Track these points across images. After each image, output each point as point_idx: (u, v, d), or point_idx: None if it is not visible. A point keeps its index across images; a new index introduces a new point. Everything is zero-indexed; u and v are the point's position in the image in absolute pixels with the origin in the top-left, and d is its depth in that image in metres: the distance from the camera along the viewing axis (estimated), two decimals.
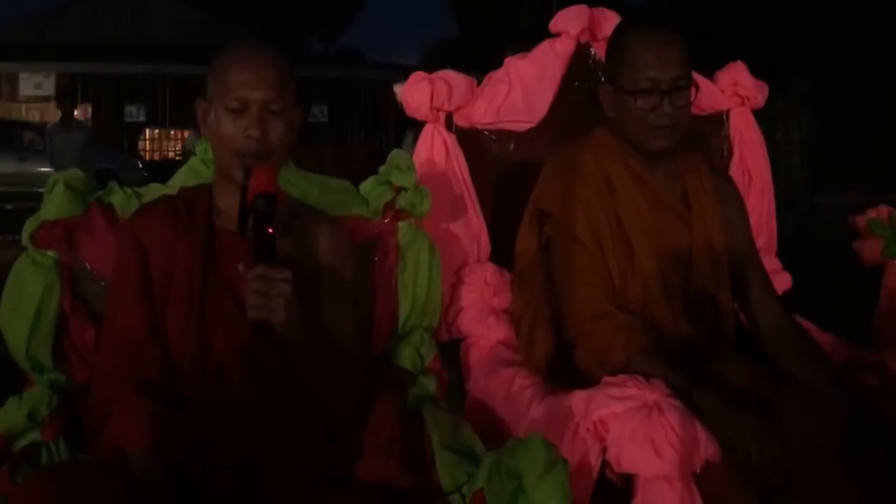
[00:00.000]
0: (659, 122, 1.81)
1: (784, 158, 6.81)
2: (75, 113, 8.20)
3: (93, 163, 7.71)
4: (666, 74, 1.79)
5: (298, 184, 1.89)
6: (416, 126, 2.39)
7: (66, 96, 8.12)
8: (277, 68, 1.56)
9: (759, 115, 2.61)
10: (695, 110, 2.05)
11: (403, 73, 2.73)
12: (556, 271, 1.90)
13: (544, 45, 2.43)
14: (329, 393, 1.53)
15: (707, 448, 1.52)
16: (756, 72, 2.57)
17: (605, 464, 1.57)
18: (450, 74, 2.31)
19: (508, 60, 2.42)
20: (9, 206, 11.55)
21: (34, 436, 1.59)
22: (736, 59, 2.59)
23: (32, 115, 20.02)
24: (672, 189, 1.93)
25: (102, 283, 1.76)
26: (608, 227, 1.86)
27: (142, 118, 21.32)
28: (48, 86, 20.23)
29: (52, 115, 10.87)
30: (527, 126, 2.40)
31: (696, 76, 2.07)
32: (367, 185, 1.97)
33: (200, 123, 1.62)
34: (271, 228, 1.38)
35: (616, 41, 1.92)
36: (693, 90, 1.84)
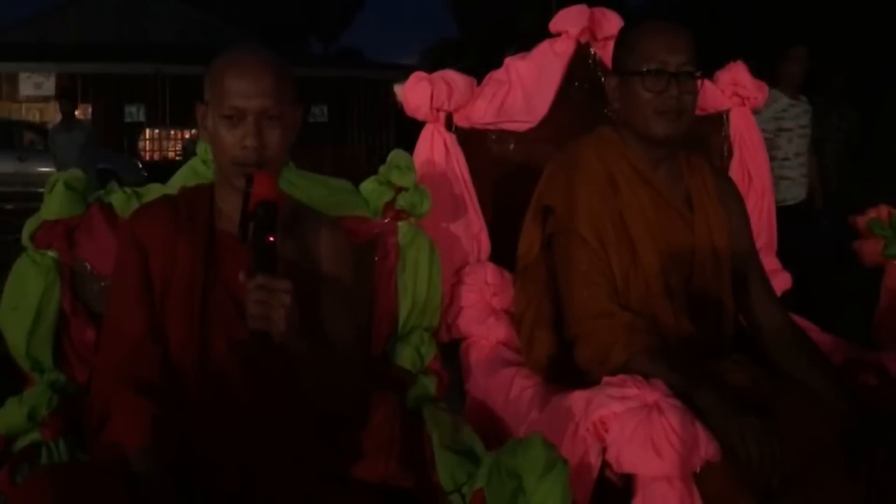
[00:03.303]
0: (665, 106, 1.82)
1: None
2: (76, 113, 8.19)
3: (95, 162, 7.71)
4: (674, 58, 1.81)
5: (299, 184, 1.89)
6: None
7: (66, 96, 8.10)
8: (273, 74, 1.53)
9: None
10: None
11: (403, 73, 2.74)
12: (559, 268, 1.90)
13: (544, 45, 2.43)
14: (328, 397, 1.53)
15: (707, 448, 1.52)
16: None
17: (605, 464, 1.57)
18: (450, 74, 2.31)
19: (508, 60, 2.42)
20: (9, 206, 11.55)
21: (34, 436, 1.59)
22: (744, 57, 2.59)
23: (32, 115, 20.01)
24: (675, 189, 1.93)
25: (102, 283, 1.76)
26: (611, 225, 1.86)
27: (142, 118, 21.32)
28: (48, 86, 20.22)
29: (52, 115, 10.90)
30: (527, 126, 2.40)
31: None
32: (367, 185, 1.97)
33: (199, 126, 1.61)
34: (272, 237, 1.37)
35: (624, 34, 1.95)
36: (700, 82, 1.86)
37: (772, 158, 4.40)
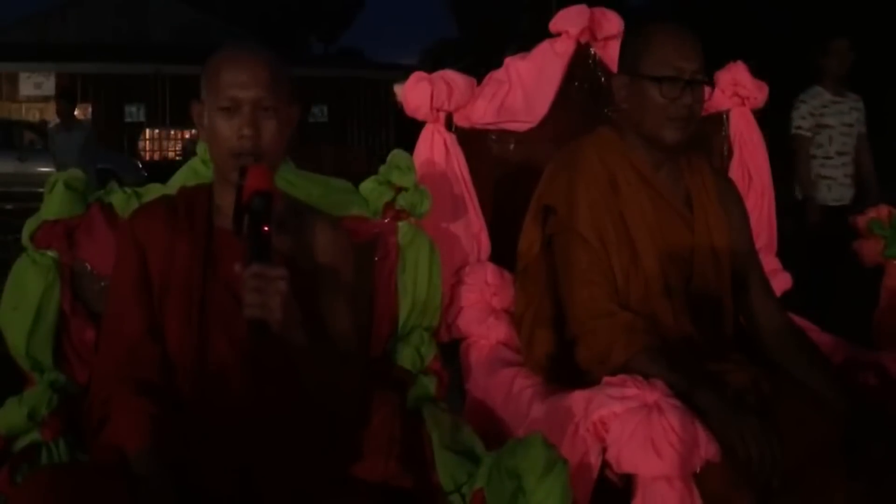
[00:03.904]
0: (677, 113, 1.82)
1: None
2: (75, 112, 8.15)
3: (95, 162, 7.68)
4: (689, 65, 1.82)
5: (299, 184, 1.89)
6: None
7: (64, 96, 8.07)
8: (269, 67, 1.55)
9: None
10: None
11: (403, 73, 2.75)
12: (559, 268, 1.90)
13: (544, 45, 2.43)
14: (327, 393, 1.52)
15: (707, 448, 1.52)
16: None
17: (605, 464, 1.57)
18: (450, 74, 2.31)
19: (508, 60, 2.42)
20: (9, 206, 11.56)
21: (34, 436, 1.59)
22: (744, 56, 2.59)
23: (32, 115, 20.01)
24: (675, 190, 1.93)
25: (102, 283, 1.76)
26: (612, 225, 1.86)
27: (142, 118, 21.33)
28: (48, 86, 20.24)
29: (53, 115, 10.86)
30: (527, 126, 2.40)
31: None
32: (367, 185, 1.97)
33: (196, 124, 1.62)
34: (267, 227, 1.37)
35: (635, 33, 1.95)
36: (709, 91, 1.87)
37: (812, 157, 4.18)
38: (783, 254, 2.57)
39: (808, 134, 4.20)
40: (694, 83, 1.82)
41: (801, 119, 4.21)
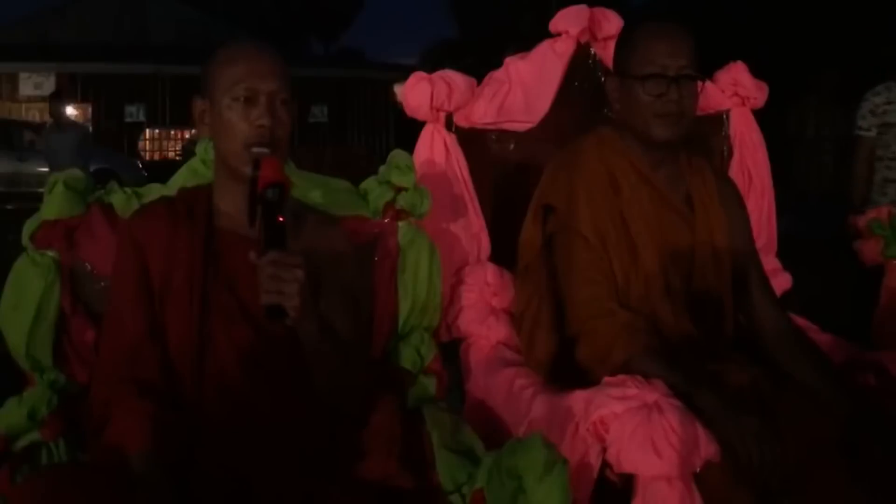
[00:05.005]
0: (664, 110, 1.82)
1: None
2: (70, 113, 8.10)
3: (88, 162, 7.65)
4: (674, 62, 1.81)
5: (299, 184, 1.89)
6: None
7: (57, 96, 8.03)
8: (282, 62, 1.58)
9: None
10: None
11: (403, 73, 2.75)
12: (559, 267, 1.90)
13: (544, 45, 2.43)
14: (336, 391, 1.52)
15: (707, 448, 1.52)
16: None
17: (605, 464, 1.57)
18: (450, 74, 2.31)
19: (508, 60, 2.42)
20: (9, 206, 11.55)
21: (34, 436, 1.60)
22: (750, 56, 2.58)
23: (32, 115, 19.99)
24: (676, 189, 1.93)
25: (102, 283, 1.76)
26: (612, 224, 1.86)
27: (142, 118, 21.32)
28: (48, 86, 20.18)
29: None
30: (527, 126, 2.40)
31: None
32: (367, 185, 1.97)
33: (197, 122, 1.61)
34: (281, 217, 1.38)
35: (626, 34, 1.95)
36: (700, 84, 1.86)
37: (877, 159, 3.82)
38: (783, 254, 2.57)
39: (870, 133, 3.85)
40: (681, 79, 1.82)
41: (862, 118, 3.88)
